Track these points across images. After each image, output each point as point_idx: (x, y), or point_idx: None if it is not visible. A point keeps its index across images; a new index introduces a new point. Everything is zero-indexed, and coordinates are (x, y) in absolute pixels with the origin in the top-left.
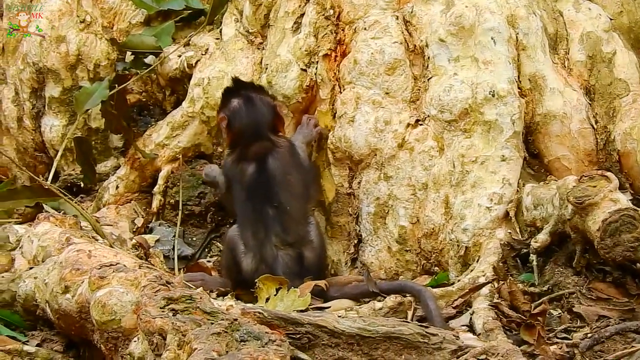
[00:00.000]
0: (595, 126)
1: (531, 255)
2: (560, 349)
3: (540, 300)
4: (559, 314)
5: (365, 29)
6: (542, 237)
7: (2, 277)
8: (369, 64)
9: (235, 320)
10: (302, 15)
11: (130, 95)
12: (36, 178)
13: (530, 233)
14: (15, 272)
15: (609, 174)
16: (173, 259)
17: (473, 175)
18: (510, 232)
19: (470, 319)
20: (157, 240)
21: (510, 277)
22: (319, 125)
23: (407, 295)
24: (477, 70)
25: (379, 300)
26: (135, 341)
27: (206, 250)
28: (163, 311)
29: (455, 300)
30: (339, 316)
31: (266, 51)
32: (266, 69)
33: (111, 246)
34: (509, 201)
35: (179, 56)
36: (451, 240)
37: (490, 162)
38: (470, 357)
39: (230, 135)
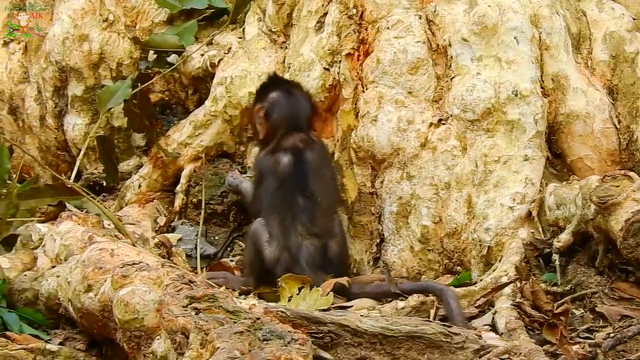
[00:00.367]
0: (618, 126)
1: (554, 254)
2: (582, 348)
3: (562, 300)
4: (582, 313)
5: (388, 28)
6: (564, 237)
7: (25, 275)
8: (391, 63)
9: (258, 319)
10: (325, 14)
11: (153, 94)
12: (59, 177)
13: (552, 233)
14: (38, 271)
15: (631, 173)
16: (195, 258)
17: (496, 174)
18: (532, 232)
19: (493, 318)
20: (180, 239)
21: (532, 277)
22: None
23: (430, 294)
24: (500, 70)
25: (402, 300)
26: (157, 340)
27: (228, 249)
28: (186, 310)
29: (478, 299)
30: (361, 315)
31: (289, 50)
32: (289, 68)
33: (134, 245)
34: (531, 201)
35: (202, 55)
36: (474, 239)
37: (513, 161)
38: (492, 356)
39: (267, 126)
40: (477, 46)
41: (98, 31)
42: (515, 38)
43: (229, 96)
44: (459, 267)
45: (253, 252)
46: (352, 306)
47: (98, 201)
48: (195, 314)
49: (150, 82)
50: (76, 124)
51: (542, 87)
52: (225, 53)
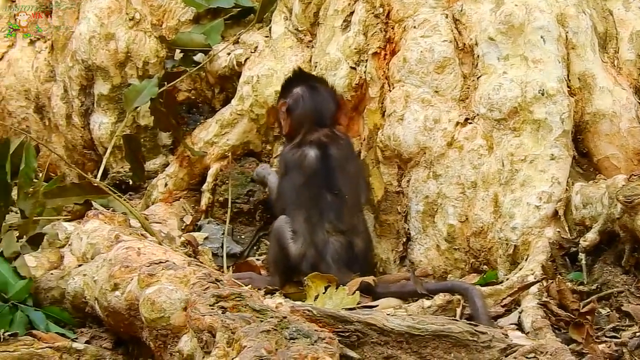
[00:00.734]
0: None
1: (580, 254)
2: (608, 347)
3: (589, 299)
4: (608, 312)
5: (414, 27)
6: (591, 236)
7: (51, 274)
8: (418, 62)
9: (285, 318)
10: (352, 13)
11: (179, 93)
12: (85, 175)
13: (579, 232)
14: (65, 269)
15: None
16: (222, 256)
17: (522, 174)
18: (559, 231)
19: (519, 317)
20: (206, 238)
21: (559, 276)
22: None
23: (455, 294)
24: (527, 69)
25: (428, 299)
26: (184, 339)
27: (255, 248)
28: (212, 309)
29: (504, 298)
30: (388, 314)
31: (315, 49)
32: (315, 67)
33: (160, 244)
34: (558, 200)
35: (228, 54)
36: (500, 238)
37: (539, 160)
38: (519, 355)
39: (290, 122)
40: (503, 45)
41: (124, 30)
42: (541, 37)
43: (255, 95)
44: (485, 266)
45: (277, 249)
46: (378, 305)
47: (124, 200)
48: (222, 313)
49: (177, 81)
50: (102, 123)
51: (568, 87)
52: (251, 52)
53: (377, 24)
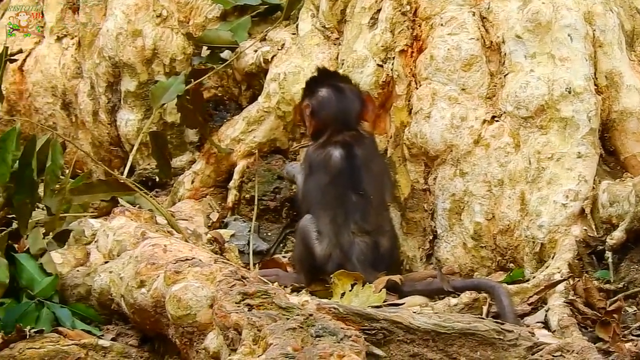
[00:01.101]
0: None
1: (607, 252)
2: (635, 346)
3: (615, 298)
4: (634, 311)
5: (442, 25)
6: (617, 234)
7: (78, 271)
8: (445, 60)
9: (311, 315)
10: (379, 10)
11: (206, 90)
12: (112, 172)
13: (605, 230)
14: (91, 266)
15: None
16: (248, 254)
17: (549, 171)
18: (585, 229)
19: (546, 315)
20: (232, 235)
21: (585, 274)
22: None
23: (482, 292)
24: (554, 67)
25: (454, 297)
26: (210, 336)
27: (281, 245)
28: (238, 306)
29: (531, 297)
30: (414, 312)
31: (342, 47)
32: (342, 64)
33: (186, 241)
34: (584, 198)
35: (255, 51)
36: (527, 236)
37: (566, 158)
38: (545, 354)
39: (314, 123)
40: (530, 43)
41: (151, 27)
42: (569, 35)
43: (282, 92)
44: (511, 264)
45: (302, 249)
46: (404, 303)
47: (151, 197)
48: (248, 310)
49: (204, 77)
50: (129, 120)
51: (595, 85)
52: (278, 49)
53: (404, 21)
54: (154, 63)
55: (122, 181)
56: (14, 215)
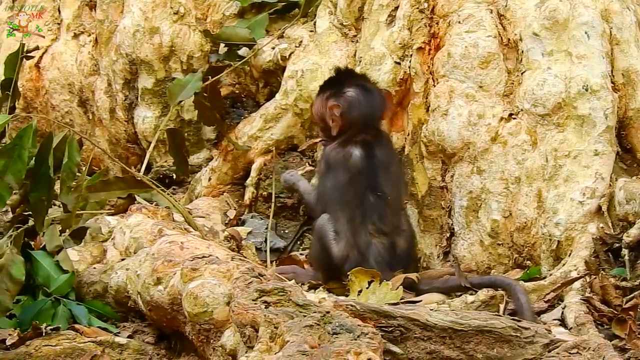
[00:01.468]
0: None
1: (623, 249)
2: None
3: (632, 295)
4: None
5: (459, 22)
6: (634, 232)
7: (94, 268)
8: (462, 57)
9: (328, 312)
10: (397, 8)
11: (224, 87)
12: (129, 169)
13: (622, 227)
14: (107, 264)
15: None
16: (265, 251)
17: (566, 169)
18: (602, 227)
19: (562, 313)
20: (250, 233)
21: (602, 272)
22: None
23: (499, 289)
24: (571, 65)
25: (471, 294)
26: (227, 333)
27: (298, 242)
28: (255, 303)
29: (547, 294)
30: (431, 309)
31: (360, 44)
32: (360, 61)
33: (203, 238)
34: (601, 195)
35: (273, 48)
36: (543, 234)
37: (583, 156)
38: (561, 351)
39: (341, 124)
40: (548, 41)
41: (169, 24)
42: (586, 33)
43: (299, 89)
44: (528, 262)
45: (320, 249)
46: (421, 300)
47: (168, 194)
48: (265, 308)
49: (221, 75)
50: (146, 117)
51: (612, 82)
52: (296, 46)
53: (422, 19)
54: (171, 60)
55: (139, 178)
56: (30, 213)
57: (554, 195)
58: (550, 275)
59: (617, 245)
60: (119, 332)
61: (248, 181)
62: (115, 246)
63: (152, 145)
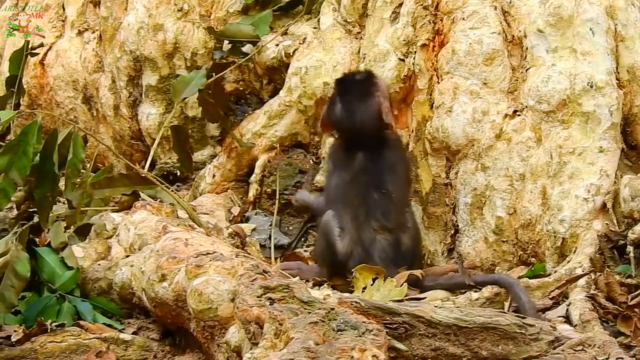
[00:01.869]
0: None
1: (628, 246)
2: None
3: (637, 292)
4: None
5: (463, 19)
6: (639, 229)
7: (99, 265)
8: (467, 54)
9: (332, 309)
10: (400, 5)
11: (228, 84)
12: (133, 166)
13: (627, 224)
14: (112, 260)
15: None
16: (269, 248)
17: (570, 166)
18: (607, 224)
19: (567, 310)
20: (254, 229)
21: (607, 269)
22: None
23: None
24: (576, 61)
25: (476, 291)
26: (231, 330)
27: (302, 239)
28: (260, 300)
29: (552, 291)
30: (435, 306)
31: (364, 41)
32: (364, 58)
33: (208, 235)
34: (606, 192)
35: (277, 45)
36: (548, 231)
37: (587, 153)
38: (566, 348)
39: (335, 132)
40: (552, 37)
41: (172, 21)
42: (590, 29)
43: (303, 86)
44: (533, 259)
45: (324, 245)
46: (425, 297)
47: (172, 191)
48: (270, 304)
49: (225, 72)
50: (150, 114)
51: (617, 79)
52: (300, 43)
53: (426, 15)
54: (175, 57)
55: (143, 175)
56: (35, 209)
57: (558, 192)
58: (555, 272)
59: (622, 242)
60: (123, 329)
61: (252, 178)
62: (120, 243)
63: (156, 142)
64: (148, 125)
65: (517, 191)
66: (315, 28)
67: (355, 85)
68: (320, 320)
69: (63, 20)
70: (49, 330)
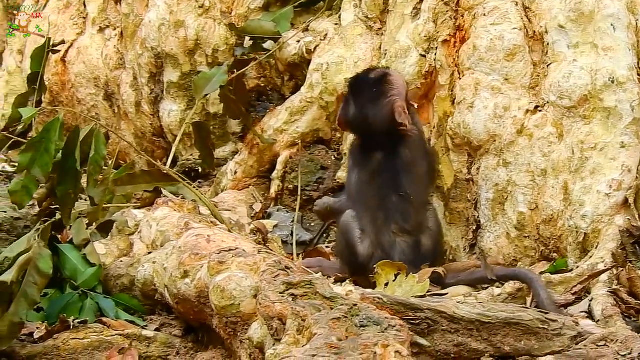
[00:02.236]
0: None
1: None
2: None
3: None
4: None
5: (484, 15)
6: None
7: (121, 261)
8: (488, 50)
9: (355, 305)
10: (422, 1)
11: (249, 80)
12: (155, 163)
13: None
14: (134, 257)
15: None
16: (291, 244)
17: (592, 161)
18: (629, 219)
19: (589, 305)
20: (276, 226)
21: (629, 264)
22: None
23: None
24: (597, 57)
25: (498, 286)
26: (254, 326)
27: (324, 235)
28: (282, 296)
29: (574, 286)
30: (458, 302)
31: (385, 37)
32: (385, 54)
33: (230, 231)
34: (628, 188)
35: (298, 41)
36: (570, 226)
37: (609, 148)
38: (589, 343)
39: (352, 133)
40: (573, 33)
41: (194, 17)
42: (612, 25)
43: (325, 82)
44: (555, 254)
45: (345, 246)
46: (447, 293)
47: (194, 187)
48: (292, 300)
49: (246, 68)
50: (172, 110)
51: (638, 74)
52: (321, 39)
53: (447, 11)
54: (197, 54)
55: (165, 172)
56: (57, 206)
57: (580, 188)
58: (577, 267)
59: None
60: (146, 325)
61: (274, 174)
62: (142, 239)
63: (178, 138)
64: (170, 122)
65: (539, 187)
66: (336, 24)
67: (368, 86)
68: (342, 316)
69: (84, 18)
70: (71, 327)
